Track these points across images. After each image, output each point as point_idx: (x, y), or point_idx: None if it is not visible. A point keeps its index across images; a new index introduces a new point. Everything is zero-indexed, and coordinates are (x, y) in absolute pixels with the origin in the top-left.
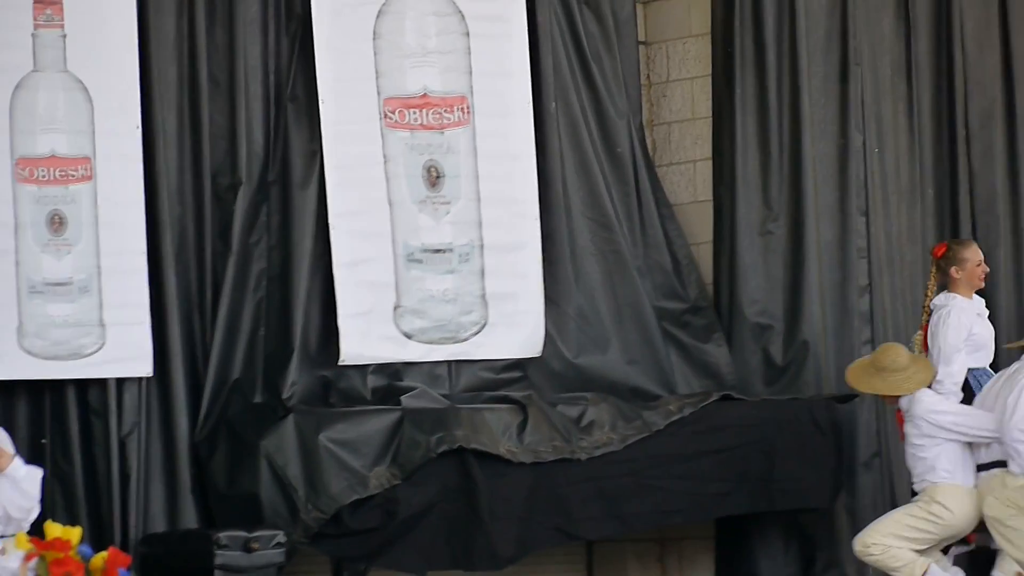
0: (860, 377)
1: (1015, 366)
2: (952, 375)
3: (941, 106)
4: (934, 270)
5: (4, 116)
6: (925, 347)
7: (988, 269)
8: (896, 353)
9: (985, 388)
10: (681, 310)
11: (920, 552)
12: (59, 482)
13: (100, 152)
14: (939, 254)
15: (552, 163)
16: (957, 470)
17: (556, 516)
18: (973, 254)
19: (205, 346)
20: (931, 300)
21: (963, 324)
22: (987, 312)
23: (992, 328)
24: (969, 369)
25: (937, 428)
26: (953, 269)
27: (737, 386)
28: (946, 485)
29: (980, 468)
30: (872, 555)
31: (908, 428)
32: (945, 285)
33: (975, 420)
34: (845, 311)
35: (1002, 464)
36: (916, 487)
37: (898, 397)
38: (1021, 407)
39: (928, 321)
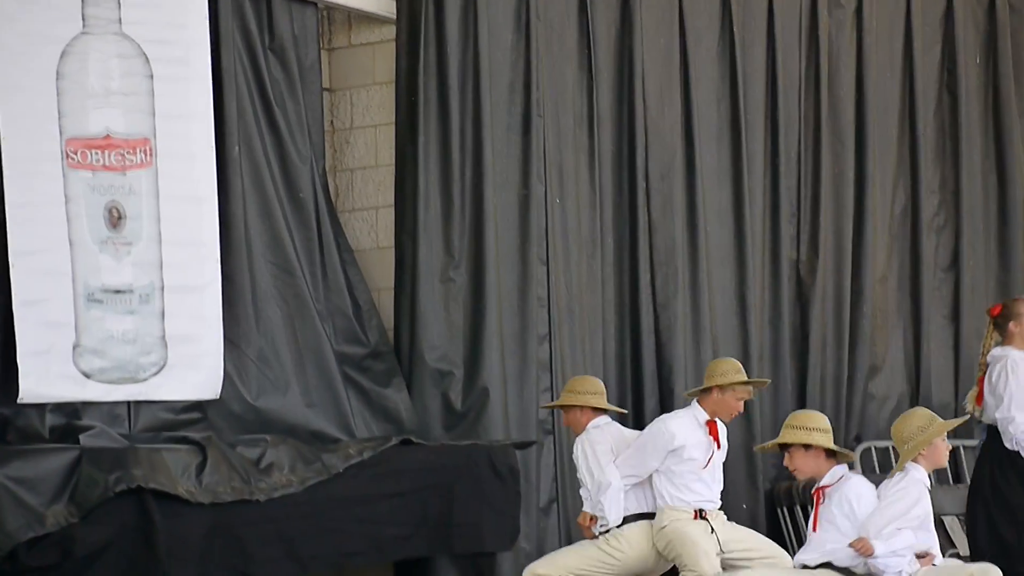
0: None
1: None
2: (1022, 423)
3: (622, 158)
4: (991, 327)
5: None
6: (980, 400)
7: None
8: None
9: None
10: (362, 355)
11: None
12: None
13: None
14: (997, 312)
15: (234, 206)
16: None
17: (234, 557)
18: None
19: None
20: (987, 355)
21: None
22: None
23: None
24: None
25: None
26: (1012, 324)
27: (417, 431)
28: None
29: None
30: None
31: None
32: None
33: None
34: (525, 359)
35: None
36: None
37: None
38: None
39: (984, 375)
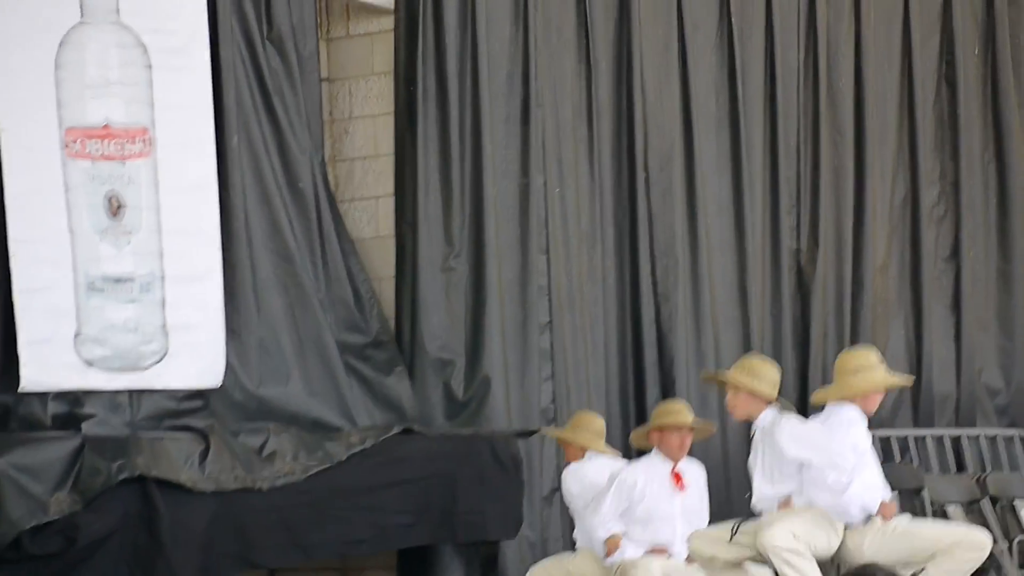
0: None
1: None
2: None
3: (621, 148)
4: None
5: None
6: None
7: None
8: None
9: None
10: (363, 344)
11: None
12: None
13: None
14: None
15: (234, 196)
16: None
17: (237, 544)
18: None
19: None
20: None
21: None
22: None
23: None
24: None
25: None
26: None
27: (418, 420)
28: None
29: None
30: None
31: None
32: None
33: None
34: (526, 348)
35: None
36: None
37: None
38: None
39: None
